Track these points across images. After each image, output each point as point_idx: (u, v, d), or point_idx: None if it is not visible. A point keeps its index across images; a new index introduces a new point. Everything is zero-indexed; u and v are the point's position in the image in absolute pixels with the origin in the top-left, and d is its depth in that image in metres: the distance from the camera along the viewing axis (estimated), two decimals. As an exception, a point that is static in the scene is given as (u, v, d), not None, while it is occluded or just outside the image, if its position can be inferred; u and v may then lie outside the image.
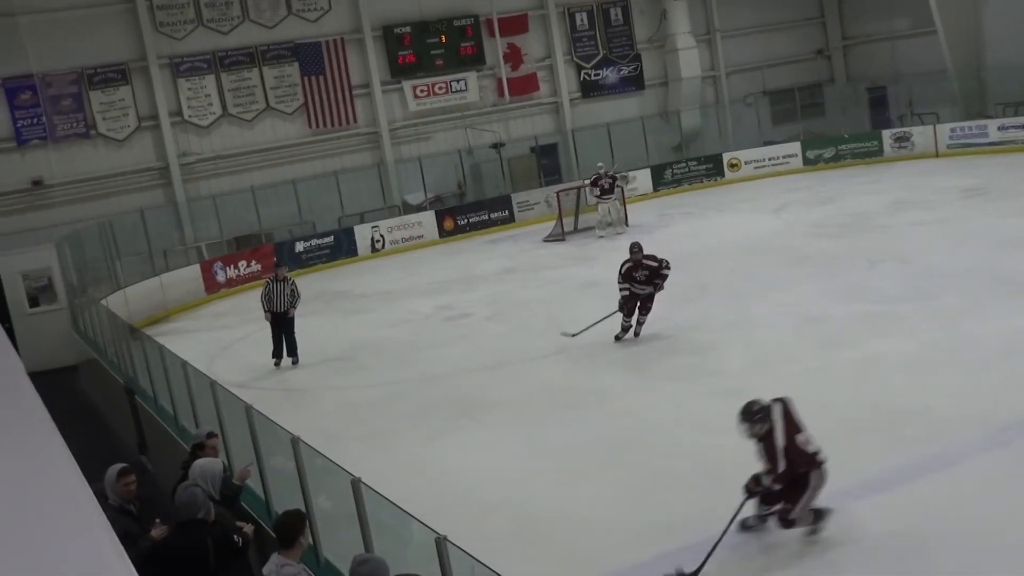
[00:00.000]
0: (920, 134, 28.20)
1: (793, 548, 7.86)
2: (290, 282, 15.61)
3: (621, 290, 14.06)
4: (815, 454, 7.43)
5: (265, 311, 15.48)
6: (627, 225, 24.30)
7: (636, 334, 14.28)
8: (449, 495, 9.57)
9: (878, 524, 7.93)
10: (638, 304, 14.11)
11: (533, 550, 8.39)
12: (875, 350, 12.29)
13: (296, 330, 15.60)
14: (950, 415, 9.91)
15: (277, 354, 15.50)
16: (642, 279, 13.96)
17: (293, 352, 15.55)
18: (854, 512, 8.22)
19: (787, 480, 7.33)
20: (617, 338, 14.24)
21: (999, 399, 10.10)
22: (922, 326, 13.02)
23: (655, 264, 13.96)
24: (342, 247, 25.44)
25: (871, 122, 31.33)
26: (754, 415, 7.53)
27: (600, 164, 24.83)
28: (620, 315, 14.21)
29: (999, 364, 11.14)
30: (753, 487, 7.55)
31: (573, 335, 14.30)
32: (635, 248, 14.16)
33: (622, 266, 14.10)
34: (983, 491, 8.27)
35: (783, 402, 7.65)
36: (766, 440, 7.40)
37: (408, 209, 27.43)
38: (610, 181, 23.99)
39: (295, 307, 15.50)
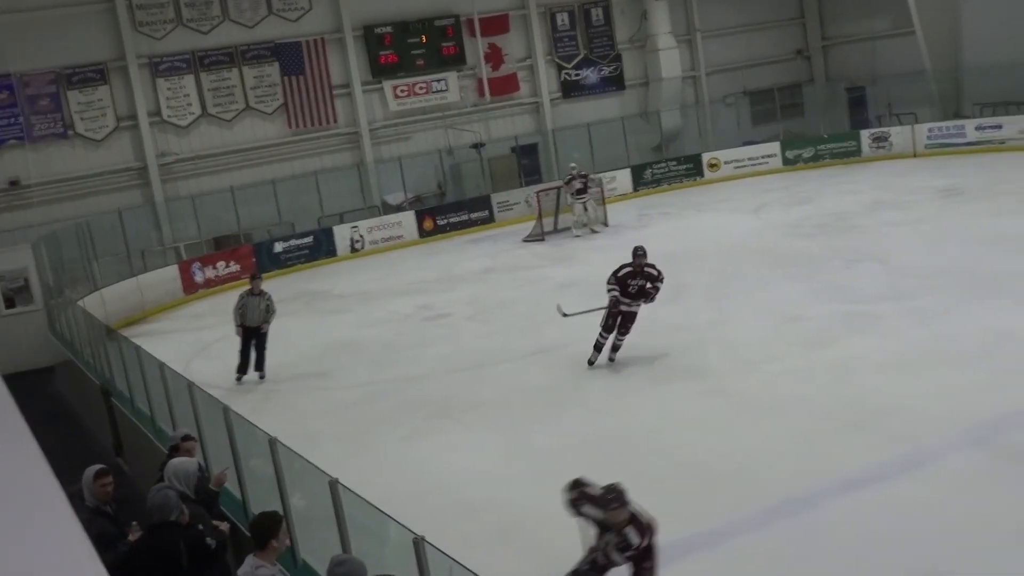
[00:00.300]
0: (898, 134, 28.36)
1: (771, 550, 7.88)
2: (266, 296, 14.71)
3: (609, 290, 12.89)
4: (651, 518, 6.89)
5: (237, 325, 14.64)
6: (607, 225, 24.36)
7: (611, 359, 13.15)
8: (429, 496, 9.55)
9: (858, 522, 7.97)
10: (618, 320, 12.98)
11: (513, 550, 8.38)
12: (854, 349, 12.36)
13: (268, 345, 14.84)
14: (928, 414, 9.98)
15: (242, 369, 14.79)
16: (634, 291, 12.82)
17: (261, 367, 14.83)
18: (834, 510, 8.27)
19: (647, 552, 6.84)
20: (591, 363, 13.12)
21: (976, 398, 10.17)
22: (900, 326, 13.10)
23: (655, 273, 12.90)
24: (321, 247, 25.37)
25: (850, 122, 31.50)
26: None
27: (572, 164, 24.88)
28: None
29: (976, 363, 11.22)
30: (603, 562, 6.84)
31: (566, 315, 13.76)
32: (640, 252, 12.93)
33: (619, 269, 12.90)
34: (961, 489, 8.32)
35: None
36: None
37: (388, 209, 27.39)
38: (583, 180, 24.05)
39: (269, 322, 14.67)
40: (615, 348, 13.16)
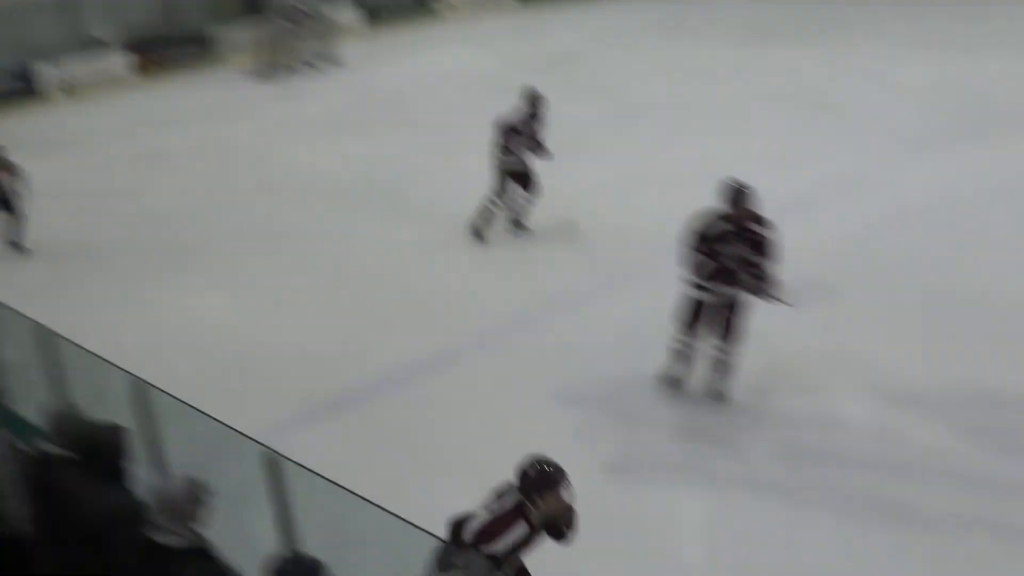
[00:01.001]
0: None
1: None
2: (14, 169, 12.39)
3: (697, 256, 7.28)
4: None
5: None
6: (340, 64, 23.59)
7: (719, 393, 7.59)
8: (162, 340, 9.42)
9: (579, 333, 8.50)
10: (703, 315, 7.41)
11: (247, 386, 8.39)
12: (578, 177, 12.89)
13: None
14: (643, 232, 10.87)
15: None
16: (731, 264, 7.18)
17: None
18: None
19: None
20: (670, 384, 7.72)
21: (683, 215, 10.96)
22: (618, 154, 13.83)
23: (762, 236, 7.12)
24: (23, 89, 23.28)
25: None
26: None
27: None
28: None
29: (686, 186, 12.07)
30: None
31: None
32: (742, 192, 7.13)
33: (710, 225, 7.24)
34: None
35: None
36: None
37: (98, 46, 25.41)
38: (302, 14, 23.23)
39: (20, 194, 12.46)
40: (720, 368, 7.51)
